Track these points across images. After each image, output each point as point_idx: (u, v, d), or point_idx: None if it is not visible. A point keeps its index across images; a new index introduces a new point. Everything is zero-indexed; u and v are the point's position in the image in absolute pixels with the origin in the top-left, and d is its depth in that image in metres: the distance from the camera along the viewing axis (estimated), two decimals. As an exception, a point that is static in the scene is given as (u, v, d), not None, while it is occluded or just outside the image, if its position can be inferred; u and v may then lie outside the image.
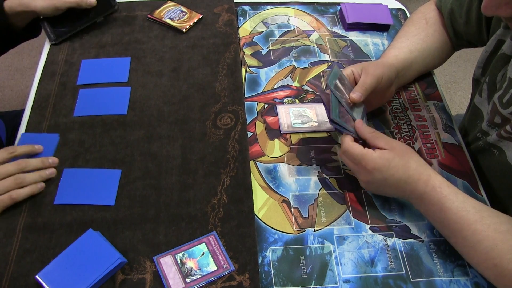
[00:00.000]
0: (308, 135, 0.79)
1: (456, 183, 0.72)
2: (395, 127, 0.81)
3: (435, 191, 0.62)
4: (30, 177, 0.67)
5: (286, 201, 0.71)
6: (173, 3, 0.96)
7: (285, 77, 0.87)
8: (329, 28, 0.96)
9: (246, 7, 0.99)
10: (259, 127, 0.79)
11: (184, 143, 0.75)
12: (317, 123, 0.80)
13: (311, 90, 0.85)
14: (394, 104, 0.85)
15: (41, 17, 0.87)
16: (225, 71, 0.85)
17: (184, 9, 0.95)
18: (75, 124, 0.77)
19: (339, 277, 0.63)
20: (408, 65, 0.79)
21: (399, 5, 1.03)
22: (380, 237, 0.68)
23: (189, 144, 0.75)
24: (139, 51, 0.88)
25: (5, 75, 1.88)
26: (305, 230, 0.68)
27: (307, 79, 0.87)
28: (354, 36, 0.95)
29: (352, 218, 0.69)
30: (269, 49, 0.91)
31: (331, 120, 0.65)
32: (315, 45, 0.93)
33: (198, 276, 0.61)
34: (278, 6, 1.00)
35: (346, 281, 0.63)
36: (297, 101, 0.83)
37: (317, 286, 0.62)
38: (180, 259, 0.63)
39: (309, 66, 0.89)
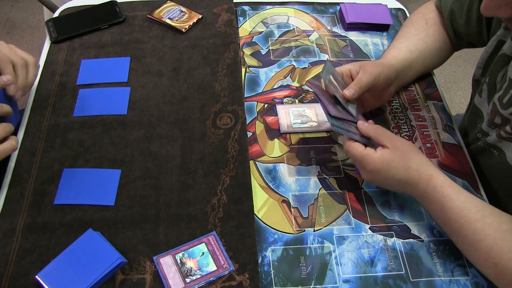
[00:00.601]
0: (308, 135, 0.79)
1: (456, 183, 0.72)
2: (395, 127, 0.81)
3: (436, 191, 0.62)
4: None
5: (286, 201, 0.71)
6: (173, 3, 0.96)
7: (285, 77, 0.87)
8: (328, 28, 0.96)
9: (246, 7, 0.99)
10: (259, 127, 0.79)
11: (184, 143, 0.75)
12: (317, 123, 0.80)
13: (310, 90, 0.85)
14: (394, 104, 0.85)
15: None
16: (225, 71, 0.85)
17: (183, 9, 0.95)
18: (75, 124, 0.77)
19: (339, 277, 0.63)
20: (408, 66, 0.79)
21: (398, 5, 1.03)
22: (380, 237, 0.68)
23: (189, 144, 0.75)
24: (139, 51, 0.88)
25: (5, 75, 1.88)
26: (305, 230, 0.68)
27: (306, 79, 0.87)
28: (353, 36, 0.95)
29: (352, 218, 0.69)
30: (269, 49, 0.91)
31: (330, 116, 0.65)
32: (315, 45, 0.93)
33: (198, 276, 0.61)
34: (278, 6, 1.00)
35: (346, 281, 0.63)
36: (296, 101, 0.83)
37: (317, 286, 0.62)
38: (180, 259, 0.63)
39: (308, 66, 0.89)
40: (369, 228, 0.68)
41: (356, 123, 0.68)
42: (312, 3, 1.01)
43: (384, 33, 0.96)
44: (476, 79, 0.80)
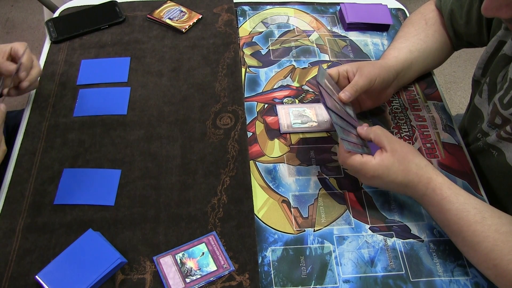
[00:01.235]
0: (308, 135, 0.79)
1: (456, 183, 0.72)
2: (395, 127, 0.81)
3: (435, 193, 0.62)
4: None
5: (286, 201, 0.71)
6: (173, 3, 0.96)
7: (285, 77, 0.87)
8: (328, 28, 0.96)
9: (246, 7, 0.99)
10: (259, 127, 0.79)
11: (184, 143, 0.75)
12: (317, 123, 0.80)
13: (310, 90, 0.85)
14: (394, 104, 0.85)
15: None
16: (225, 71, 0.85)
17: (183, 9, 0.95)
18: (75, 124, 0.77)
19: (339, 277, 0.63)
20: (408, 66, 0.79)
21: (398, 5, 1.03)
22: (380, 237, 0.68)
23: (189, 144, 0.75)
24: (139, 51, 0.88)
25: (5, 75, 1.88)
26: (305, 230, 0.68)
27: (306, 79, 0.87)
28: (353, 36, 0.95)
29: (352, 218, 0.69)
30: (269, 49, 0.91)
31: (328, 108, 0.65)
32: (315, 45, 0.93)
33: (198, 276, 0.61)
34: (278, 6, 1.00)
35: (346, 281, 0.63)
36: (296, 101, 0.83)
37: (317, 286, 0.62)
38: (180, 259, 0.63)
39: (308, 66, 0.89)
40: (369, 228, 0.68)
41: (353, 125, 0.68)
42: (312, 3, 1.01)
43: (384, 33, 0.96)
44: (476, 80, 0.80)
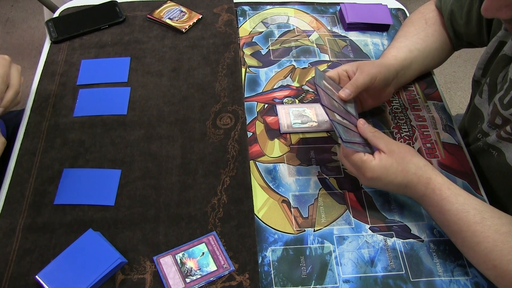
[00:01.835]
0: (308, 135, 0.79)
1: (456, 183, 0.72)
2: (394, 127, 0.81)
3: (434, 194, 0.62)
4: None
5: (286, 201, 0.71)
6: (173, 3, 0.96)
7: (285, 77, 0.87)
8: (329, 28, 0.96)
9: (246, 7, 0.99)
10: (259, 127, 0.79)
11: (184, 143, 0.75)
12: (317, 123, 0.80)
13: (310, 90, 0.85)
14: (394, 104, 0.85)
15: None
16: (225, 71, 0.85)
17: (183, 9, 0.95)
18: (75, 124, 0.77)
19: (339, 277, 0.63)
20: (408, 65, 0.79)
21: (398, 5, 1.03)
22: (380, 237, 0.68)
23: (189, 144, 0.75)
24: (139, 51, 0.88)
25: (5, 75, 1.88)
26: (305, 230, 0.68)
27: (306, 79, 0.87)
28: (354, 36, 0.95)
29: (352, 218, 0.69)
30: (269, 49, 0.91)
31: (325, 107, 0.65)
32: (315, 45, 0.93)
33: (198, 276, 0.61)
34: (278, 6, 1.00)
35: (346, 281, 0.63)
36: (297, 101, 0.83)
37: (317, 286, 0.62)
38: (180, 259, 0.63)
39: (309, 66, 0.89)
40: (369, 228, 0.68)
41: (354, 124, 0.68)
42: (312, 3, 1.01)
43: (384, 33, 0.96)
44: (476, 80, 0.80)
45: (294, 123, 0.80)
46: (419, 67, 0.82)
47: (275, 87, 0.85)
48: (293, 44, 0.93)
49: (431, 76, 0.90)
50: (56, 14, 0.94)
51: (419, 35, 0.81)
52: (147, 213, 0.67)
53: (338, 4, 1.00)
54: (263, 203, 0.70)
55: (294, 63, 0.90)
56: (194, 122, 0.78)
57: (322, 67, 0.89)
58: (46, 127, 0.76)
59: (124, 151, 0.74)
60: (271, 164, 0.75)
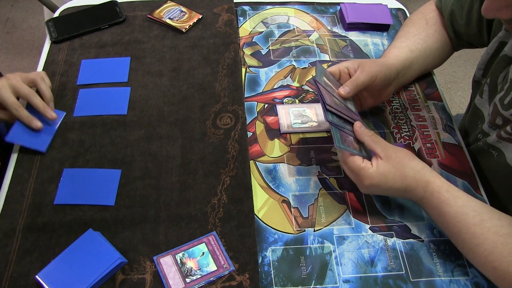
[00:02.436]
0: (308, 135, 0.79)
1: (456, 183, 0.72)
2: (395, 127, 0.81)
3: (433, 196, 0.62)
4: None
5: (286, 201, 0.71)
6: (173, 3, 0.96)
7: (285, 77, 0.87)
8: (329, 28, 0.96)
9: (246, 7, 0.99)
10: (259, 127, 0.79)
11: (184, 143, 0.75)
12: (317, 123, 0.80)
13: (311, 90, 0.85)
14: (394, 104, 0.85)
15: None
16: (225, 71, 0.85)
17: (184, 9, 0.95)
18: (75, 124, 0.77)
19: (339, 277, 0.63)
20: (409, 65, 0.79)
21: (399, 5, 1.03)
22: (380, 237, 0.68)
23: (189, 144, 0.75)
24: (139, 51, 0.88)
25: (5, 75, 1.88)
26: (305, 230, 0.68)
27: (306, 79, 0.87)
28: (354, 36, 0.95)
29: (352, 218, 0.69)
30: (269, 49, 0.91)
31: (326, 108, 0.64)
32: (315, 45, 0.93)
33: (198, 276, 0.61)
34: (278, 6, 1.00)
35: (346, 281, 0.63)
36: (297, 101, 0.83)
37: (317, 286, 0.62)
38: (180, 259, 0.63)
39: (309, 66, 0.89)
40: (369, 228, 0.68)
41: (354, 120, 0.68)
42: (312, 3, 1.01)
43: (384, 33, 0.96)
44: (476, 80, 0.80)
45: (294, 123, 0.80)
46: (420, 67, 0.82)
47: (275, 87, 0.85)
48: (293, 44, 0.93)
49: (431, 76, 0.90)
50: (56, 14, 0.94)
51: (420, 35, 0.81)
52: (147, 213, 0.67)
53: (338, 4, 1.00)
54: (263, 203, 0.70)
55: (294, 63, 0.90)
56: (194, 122, 0.78)
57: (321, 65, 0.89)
58: (46, 127, 0.76)
59: (124, 151, 0.74)
60: (271, 164, 0.75)
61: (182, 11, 0.94)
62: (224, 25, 0.93)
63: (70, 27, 0.90)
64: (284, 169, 0.74)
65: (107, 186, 0.69)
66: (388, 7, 0.98)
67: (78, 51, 0.87)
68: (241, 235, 0.65)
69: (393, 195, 0.67)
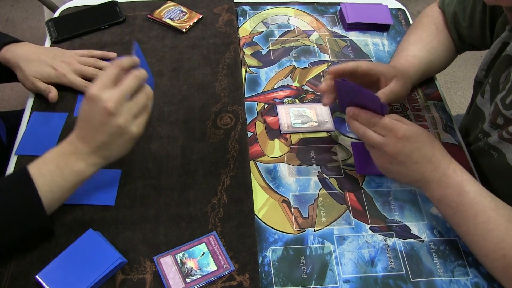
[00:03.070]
0: (308, 135, 0.79)
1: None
2: (395, 127, 0.81)
3: (456, 174, 0.62)
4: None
5: (286, 201, 0.71)
6: (173, 3, 0.96)
7: (285, 77, 0.87)
8: (329, 28, 0.96)
9: (246, 7, 0.99)
10: (259, 127, 0.79)
11: (184, 143, 0.75)
12: (317, 123, 0.80)
13: (311, 90, 0.85)
14: (394, 104, 0.84)
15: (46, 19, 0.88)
16: (225, 71, 0.85)
17: (184, 9, 0.95)
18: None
19: (339, 277, 0.63)
20: (421, 75, 0.81)
21: (399, 5, 1.03)
22: (380, 237, 0.68)
23: (189, 144, 0.75)
24: (139, 51, 0.88)
25: (5, 75, 1.88)
26: (305, 230, 0.68)
27: (307, 79, 0.87)
28: (354, 36, 0.95)
29: (352, 218, 0.69)
30: (269, 49, 0.91)
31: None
32: (315, 45, 0.93)
33: (198, 276, 0.61)
34: (278, 6, 1.00)
35: (346, 281, 0.63)
36: (297, 101, 0.83)
37: (317, 286, 0.62)
38: (180, 259, 0.63)
39: (309, 66, 0.89)
40: (369, 228, 0.68)
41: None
42: (312, 3, 1.01)
43: (384, 33, 0.96)
44: (478, 81, 0.80)
45: (294, 123, 0.80)
46: (427, 75, 0.84)
47: (275, 87, 0.85)
48: (293, 44, 0.93)
49: (431, 76, 0.90)
50: (57, 14, 0.94)
51: (432, 43, 0.82)
52: (147, 213, 0.67)
53: (338, 4, 1.00)
54: (263, 203, 0.70)
55: (294, 63, 0.90)
56: (194, 122, 0.78)
57: (322, 67, 0.89)
58: (46, 127, 0.76)
59: (124, 151, 0.74)
60: (271, 164, 0.75)
61: (182, 11, 0.94)
62: (224, 25, 0.93)
63: (70, 27, 0.90)
64: (284, 169, 0.74)
65: (107, 186, 0.69)
66: (388, 7, 0.98)
67: (78, 51, 0.87)
68: (241, 235, 0.65)
69: (415, 163, 0.63)
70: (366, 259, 0.65)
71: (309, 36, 0.94)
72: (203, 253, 0.63)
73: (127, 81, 0.58)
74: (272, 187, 0.72)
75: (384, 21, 0.96)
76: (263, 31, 0.95)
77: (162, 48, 0.89)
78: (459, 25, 0.81)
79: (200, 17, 0.94)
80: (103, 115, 0.56)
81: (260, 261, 0.64)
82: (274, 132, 0.79)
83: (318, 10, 1.00)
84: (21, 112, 0.80)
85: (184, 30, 0.91)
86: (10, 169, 0.71)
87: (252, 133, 0.79)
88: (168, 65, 0.86)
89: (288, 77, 0.87)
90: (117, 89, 0.57)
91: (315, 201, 0.71)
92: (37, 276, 0.58)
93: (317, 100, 0.84)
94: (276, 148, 0.77)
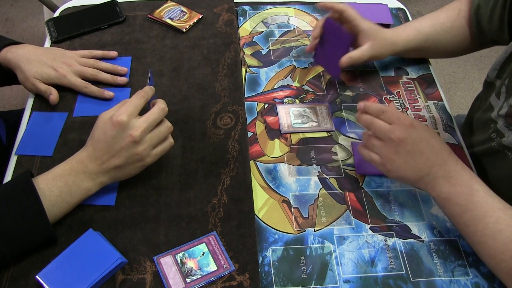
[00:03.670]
0: (308, 135, 0.79)
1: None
2: (395, 127, 0.81)
3: (465, 171, 0.61)
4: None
5: (286, 201, 0.71)
6: (173, 3, 0.96)
7: (285, 77, 0.87)
8: (329, 28, 0.96)
9: (246, 7, 0.99)
10: (259, 127, 0.79)
11: (184, 143, 0.75)
12: (317, 123, 0.80)
13: (311, 90, 0.85)
14: (395, 104, 0.84)
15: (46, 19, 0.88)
16: (225, 71, 0.85)
17: (184, 9, 0.95)
18: (75, 124, 0.77)
19: (339, 277, 0.63)
20: (416, 48, 0.83)
21: (399, 5, 1.03)
22: (380, 237, 0.68)
23: (189, 144, 0.75)
24: (139, 51, 0.88)
25: (5, 75, 1.88)
26: (305, 230, 0.68)
27: (307, 79, 0.87)
28: (354, 36, 0.95)
29: (352, 218, 0.69)
30: (269, 49, 0.91)
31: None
32: (315, 45, 0.93)
33: (198, 276, 0.61)
34: (278, 6, 1.00)
35: (346, 281, 0.63)
36: (297, 101, 0.83)
37: (317, 286, 0.62)
38: (180, 259, 0.63)
39: (309, 66, 0.89)
40: (369, 228, 0.68)
41: None
42: (313, 3, 1.01)
43: (385, 33, 0.96)
44: (489, 81, 0.79)
45: (294, 123, 0.80)
46: (428, 54, 0.87)
47: (275, 87, 0.85)
48: (293, 44, 0.93)
49: (431, 76, 0.90)
50: (57, 14, 0.94)
51: (446, 24, 0.83)
52: (147, 213, 0.67)
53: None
54: (263, 203, 0.70)
55: (294, 63, 0.90)
56: (194, 122, 0.78)
57: (322, 67, 0.89)
58: (46, 127, 0.76)
59: (124, 151, 0.73)
60: (272, 164, 0.75)
61: (182, 11, 0.94)
62: (225, 25, 0.93)
63: (70, 27, 0.90)
64: (284, 169, 0.74)
65: (107, 186, 0.69)
66: (388, 6, 0.98)
67: (78, 51, 0.87)
68: (241, 235, 0.65)
69: (423, 154, 0.61)
70: (366, 259, 0.65)
71: (309, 36, 0.94)
72: (203, 253, 0.63)
73: (154, 113, 0.63)
74: (272, 187, 0.72)
75: (385, 20, 0.95)
76: (263, 31, 0.95)
77: (162, 48, 0.89)
78: (480, 17, 0.79)
79: (200, 17, 0.94)
80: (127, 142, 0.60)
81: (260, 261, 0.64)
82: (274, 132, 0.79)
83: (318, 10, 1.00)
84: (21, 112, 0.80)
85: (184, 30, 0.91)
86: (10, 169, 0.71)
87: (252, 133, 0.79)
88: (168, 65, 0.86)
89: (288, 77, 0.87)
90: (145, 119, 0.62)
91: (315, 201, 0.71)
92: (37, 276, 0.58)
93: (317, 100, 0.84)
94: (276, 148, 0.77)
